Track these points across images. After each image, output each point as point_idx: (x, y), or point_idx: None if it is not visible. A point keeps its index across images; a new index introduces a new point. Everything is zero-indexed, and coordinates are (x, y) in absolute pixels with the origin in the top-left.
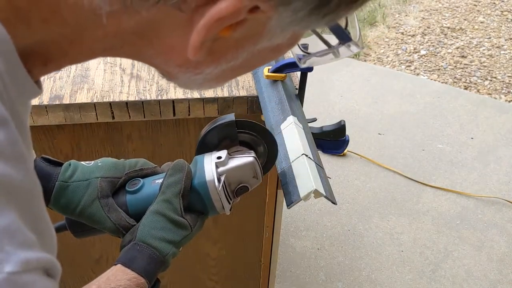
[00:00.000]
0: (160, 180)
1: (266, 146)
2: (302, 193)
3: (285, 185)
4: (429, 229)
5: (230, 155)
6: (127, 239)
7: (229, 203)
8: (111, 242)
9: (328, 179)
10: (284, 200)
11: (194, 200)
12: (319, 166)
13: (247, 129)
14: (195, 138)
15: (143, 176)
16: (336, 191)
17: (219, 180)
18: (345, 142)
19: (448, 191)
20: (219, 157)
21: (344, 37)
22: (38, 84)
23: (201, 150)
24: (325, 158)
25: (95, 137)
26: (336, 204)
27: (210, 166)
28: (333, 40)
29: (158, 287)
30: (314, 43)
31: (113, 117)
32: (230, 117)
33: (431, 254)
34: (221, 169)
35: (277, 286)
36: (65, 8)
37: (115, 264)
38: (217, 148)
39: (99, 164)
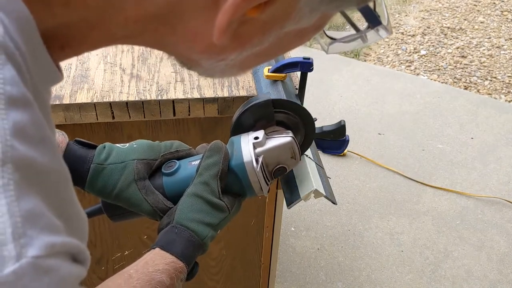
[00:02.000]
0: (196, 162)
1: (303, 126)
2: (302, 193)
3: (285, 185)
4: (429, 229)
5: (267, 136)
6: (165, 221)
7: (267, 185)
8: (112, 243)
9: (328, 179)
10: (284, 200)
11: (231, 182)
12: (319, 166)
13: (284, 109)
14: (195, 138)
15: (179, 158)
16: (336, 191)
17: (257, 161)
18: (345, 142)
19: (448, 191)
20: (256, 138)
21: (374, 20)
22: (59, 70)
23: (237, 131)
24: (325, 158)
25: (95, 137)
26: (336, 204)
27: (248, 147)
28: (360, 25)
29: (197, 271)
30: (338, 33)
31: (113, 117)
32: (266, 96)
33: (431, 254)
34: (258, 149)
35: (277, 286)
36: None
37: (153, 248)
38: (253, 128)
39: (134, 146)
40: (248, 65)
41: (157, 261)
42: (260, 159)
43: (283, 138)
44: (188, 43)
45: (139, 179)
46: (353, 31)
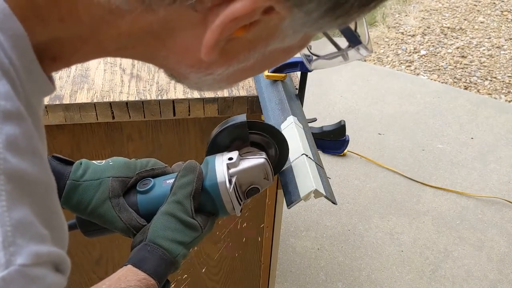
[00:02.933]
0: (171, 180)
1: (277, 147)
2: (302, 193)
3: (285, 185)
4: (429, 229)
5: (241, 156)
6: (138, 239)
7: (240, 205)
8: (112, 243)
9: (328, 179)
10: (284, 200)
11: (205, 201)
12: (319, 166)
13: (259, 130)
14: (195, 138)
15: (154, 176)
16: (336, 191)
17: (230, 181)
18: (345, 142)
19: (448, 191)
20: (230, 158)
21: (354, 40)
22: (51, 81)
23: (212, 151)
24: (325, 158)
25: (95, 137)
26: (336, 204)
27: (222, 167)
28: (342, 43)
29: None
30: (322, 46)
31: (113, 117)
32: (242, 117)
33: (431, 254)
34: (232, 170)
35: (277, 286)
36: (81, 7)
37: (126, 265)
38: (228, 149)
39: (111, 163)
40: (235, 79)
41: (129, 277)
42: (234, 180)
43: (256, 159)
44: (178, 57)
45: (114, 196)
46: (335, 49)
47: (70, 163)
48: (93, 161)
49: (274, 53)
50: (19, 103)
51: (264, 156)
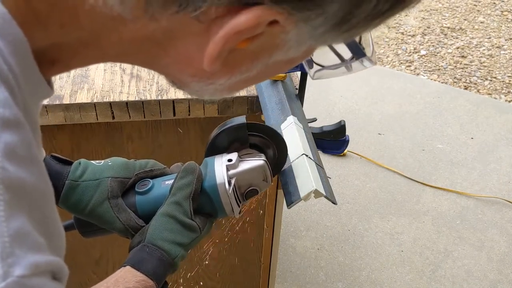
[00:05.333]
0: (170, 182)
1: (276, 149)
2: (302, 193)
3: (285, 185)
4: (429, 229)
5: (240, 158)
6: (136, 240)
7: (239, 206)
8: (112, 243)
9: (328, 179)
10: (284, 200)
11: (203, 202)
12: (319, 166)
13: (258, 132)
14: (195, 138)
15: (153, 177)
16: (336, 191)
17: (229, 183)
18: (345, 142)
19: (448, 191)
20: (229, 160)
21: (358, 52)
22: (50, 85)
23: (211, 152)
24: (325, 158)
25: (95, 137)
26: (336, 204)
27: (221, 168)
28: (346, 54)
29: None
30: (326, 56)
31: (113, 117)
32: (241, 119)
33: (431, 254)
34: (231, 172)
35: (277, 286)
36: (82, 13)
37: (124, 266)
38: (227, 150)
39: (109, 163)
40: (236, 88)
41: (127, 278)
42: (233, 181)
43: (256, 161)
44: (180, 65)
45: (112, 197)
46: (338, 60)
47: (69, 163)
48: (92, 161)
49: (277, 64)
50: (17, 110)
51: (264, 158)
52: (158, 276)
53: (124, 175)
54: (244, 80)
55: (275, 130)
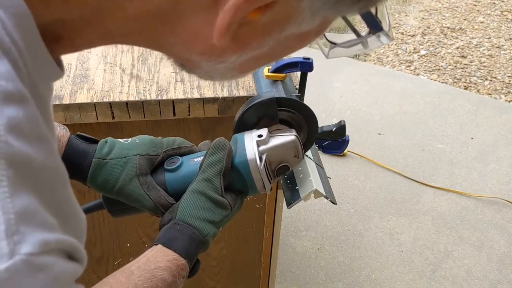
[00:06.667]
0: (199, 159)
1: (306, 124)
2: (302, 193)
3: (285, 185)
4: (429, 229)
5: (270, 134)
6: (167, 218)
7: (270, 183)
8: (112, 242)
9: (328, 179)
10: (284, 200)
11: (234, 179)
12: (319, 166)
13: (288, 107)
14: (195, 138)
15: (181, 155)
16: (336, 191)
17: (260, 159)
18: (345, 142)
19: (448, 191)
20: (260, 135)
21: (375, 25)
22: (60, 66)
23: (239, 129)
24: (325, 158)
25: (95, 137)
26: (336, 204)
27: (251, 144)
28: (362, 30)
29: (199, 268)
30: (339, 36)
31: (113, 117)
32: (270, 94)
33: (431, 254)
34: (262, 147)
35: (277, 286)
36: None
37: (156, 244)
38: (256, 126)
39: (137, 141)
40: (248, 67)
41: (159, 258)
42: (264, 157)
43: (287, 137)
44: (187, 44)
45: (141, 174)
46: (354, 36)
47: (95, 141)
48: (119, 139)
49: (289, 39)
50: (21, 84)
51: (295, 133)
52: (189, 254)
53: (152, 152)
54: (255, 58)
55: (304, 104)
